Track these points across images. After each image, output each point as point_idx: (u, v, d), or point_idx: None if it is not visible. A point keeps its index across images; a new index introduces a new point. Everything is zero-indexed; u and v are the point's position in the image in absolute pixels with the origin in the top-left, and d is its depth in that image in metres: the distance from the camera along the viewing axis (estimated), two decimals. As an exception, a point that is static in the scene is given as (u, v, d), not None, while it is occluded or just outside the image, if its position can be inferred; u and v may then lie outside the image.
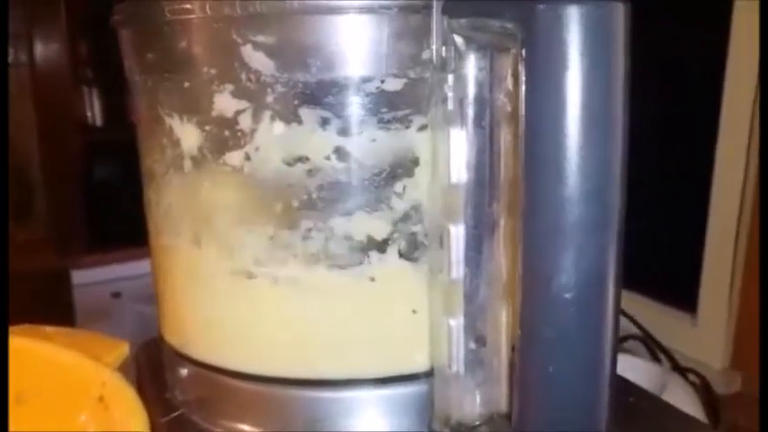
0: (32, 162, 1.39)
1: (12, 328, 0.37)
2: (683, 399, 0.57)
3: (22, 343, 0.37)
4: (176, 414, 0.36)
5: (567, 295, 0.23)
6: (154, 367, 0.40)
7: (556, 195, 0.23)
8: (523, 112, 0.24)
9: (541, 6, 0.22)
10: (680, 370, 0.64)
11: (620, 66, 0.23)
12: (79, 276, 1.42)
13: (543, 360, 0.23)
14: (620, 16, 0.22)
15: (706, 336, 0.70)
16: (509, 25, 0.24)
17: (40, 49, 1.33)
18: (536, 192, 0.24)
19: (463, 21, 0.27)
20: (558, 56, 0.22)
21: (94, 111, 1.45)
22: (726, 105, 0.73)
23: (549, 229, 0.23)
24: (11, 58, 1.28)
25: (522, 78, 0.24)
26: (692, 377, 0.64)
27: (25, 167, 1.39)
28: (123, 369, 0.38)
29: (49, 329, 0.41)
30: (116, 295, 1.44)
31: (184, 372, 0.36)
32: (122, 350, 0.39)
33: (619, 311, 0.24)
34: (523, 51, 0.23)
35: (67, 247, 1.42)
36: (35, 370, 0.36)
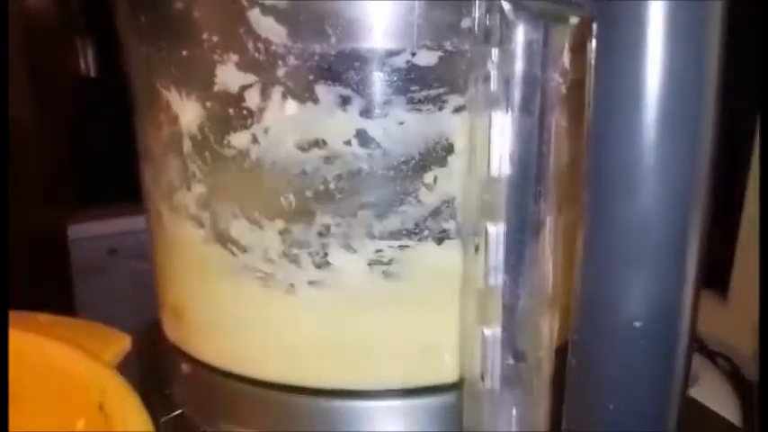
0: (25, 114, 1.34)
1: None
2: (712, 386, 0.55)
3: (14, 338, 0.33)
4: (176, 413, 0.33)
5: (637, 324, 0.19)
6: (155, 358, 0.37)
7: (627, 213, 0.19)
8: (591, 107, 0.20)
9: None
10: (708, 353, 0.61)
11: (716, 51, 0.18)
12: (75, 231, 1.39)
13: (602, 399, 0.20)
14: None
15: (738, 317, 0.66)
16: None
17: (30, -3, 1.26)
18: (602, 208, 0.20)
19: (514, -16, 0.23)
20: (643, 34, 0.18)
21: (88, 62, 1.39)
22: None
23: (617, 252, 0.19)
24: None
25: (592, 62, 0.19)
26: (720, 361, 0.61)
27: (17, 120, 1.34)
28: (125, 364, 0.35)
29: (44, 318, 0.37)
30: (112, 251, 1.41)
31: (185, 369, 0.33)
32: (124, 344, 0.35)
33: (693, 345, 0.20)
34: (594, 25, 0.19)
35: (63, 202, 1.39)
36: (28, 369, 0.33)
